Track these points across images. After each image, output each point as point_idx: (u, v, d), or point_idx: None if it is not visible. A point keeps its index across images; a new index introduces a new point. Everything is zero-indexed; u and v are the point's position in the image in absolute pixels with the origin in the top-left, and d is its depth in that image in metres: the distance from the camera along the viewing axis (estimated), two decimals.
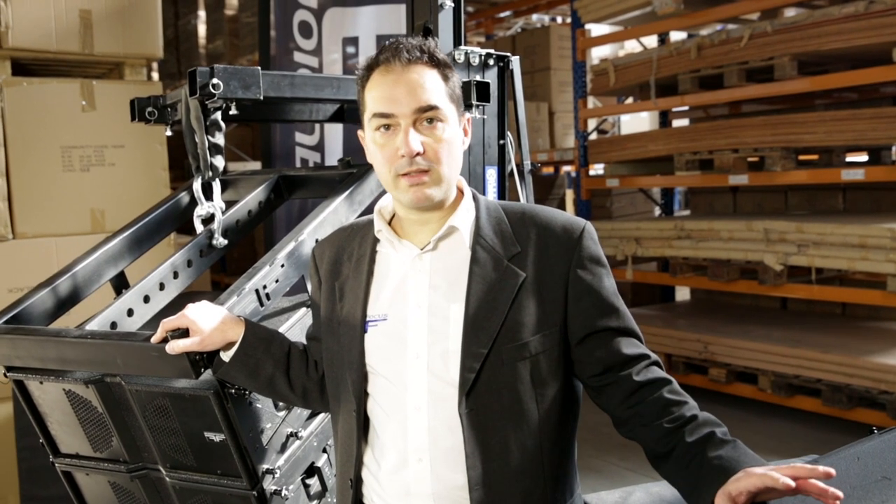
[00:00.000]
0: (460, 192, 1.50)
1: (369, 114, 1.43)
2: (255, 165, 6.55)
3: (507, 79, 2.51)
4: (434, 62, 1.42)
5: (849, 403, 4.71)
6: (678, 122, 7.30)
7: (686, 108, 6.50)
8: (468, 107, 2.18)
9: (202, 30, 7.86)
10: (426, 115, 1.40)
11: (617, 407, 1.41)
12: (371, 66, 1.44)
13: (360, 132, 1.53)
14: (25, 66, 3.77)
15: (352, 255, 1.55)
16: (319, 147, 4.04)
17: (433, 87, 1.41)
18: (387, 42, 1.45)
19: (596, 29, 7.05)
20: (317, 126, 4.04)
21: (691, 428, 1.32)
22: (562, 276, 1.42)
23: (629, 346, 1.42)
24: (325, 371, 1.56)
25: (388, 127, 1.41)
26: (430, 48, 1.43)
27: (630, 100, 7.10)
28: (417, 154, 1.38)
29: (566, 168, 8.82)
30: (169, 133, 2.32)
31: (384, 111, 1.40)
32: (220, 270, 7.36)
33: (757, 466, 1.19)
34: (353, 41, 3.97)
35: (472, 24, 9.46)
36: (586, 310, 1.42)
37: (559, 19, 9.61)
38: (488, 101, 2.25)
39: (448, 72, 1.45)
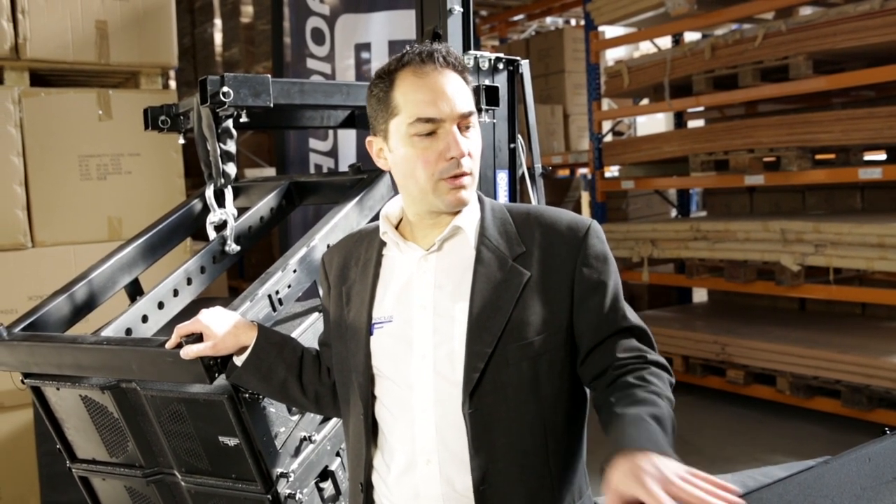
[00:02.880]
0: None
1: (409, 117, 1.40)
2: (272, 171, 6.59)
3: (517, 83, 2.52)
4: (461, 68, 1.44)
5: (869, 404, 4.66)
6: (693, 123, 7.26)
7: (701, 108, 6.47)
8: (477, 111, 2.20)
9: (218, 38, 7.92)
10: (465, 120, 1.41)
11: (598, 397, 1.41)
12: (395, 69, 1.43)
13: (371, 138, 1.51)
14: (43, 77, 3.82)
15: (359, 259, 1.56)
16: (333, 153, 4.07)
17: (467, 92, 1.43)
18: (409, 47, 1.45)
19: (609, 31, 7.03)
20: (330, 132, 4.06)
21: (621, 386, 1.33)
22: (567, 274, 1.42)
23: (627, 350, 1.41)
24: (335, 375, 1.57)
25: (430, 133, 1.40)
26: (457, 54, 1.45)
27: (645, 101, 7.08)
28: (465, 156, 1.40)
29: (582, 170, 8.81)
30: (182, 141, 2.34)
31: (431, 115, 1.38)
32: (238, 276, 7.40)
33: (650, 451, 1.15)
34: (366, 47, 3.99)
35: (486, 28, 9.47)
36: (592, 309, 1.41)
37: (573, 22, 9.60)
38: (498, 104, 2.26)
39: (469, 77, 1.47)
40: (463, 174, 1.40)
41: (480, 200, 1.51)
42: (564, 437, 1.44)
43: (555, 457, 1.41)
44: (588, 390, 1.50)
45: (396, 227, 1.53)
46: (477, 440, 1.37)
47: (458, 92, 1.41)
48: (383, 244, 1.54)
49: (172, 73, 7.40)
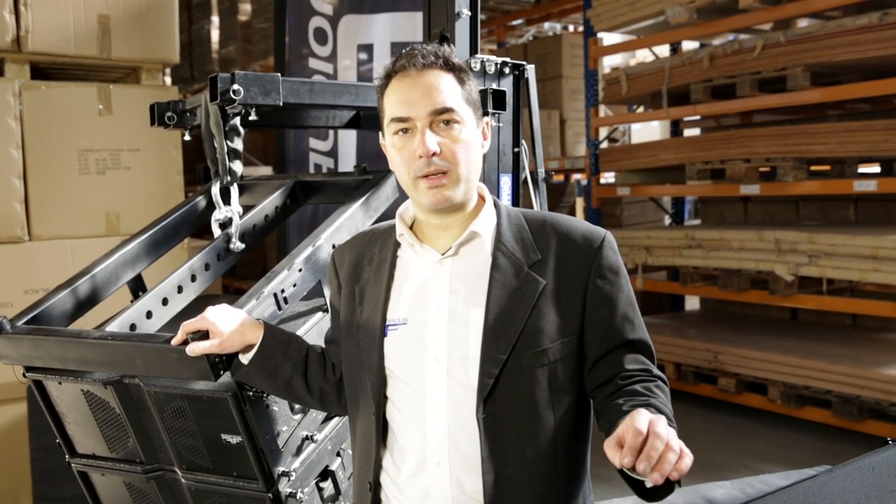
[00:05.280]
0: (482, 198, 1.52)
1: (388, 118, 1.46)
2: (267, 170, 6.58)
3: (522, 87, 2.53)
4: (449, 66, 1.45)
5: (859, 415, 4.69)
6: (689, 132, 7.30)
7: (698, 117, 6.50)
8: (486, 113, 2.20)
9: (215, 35, 7.91)
10: (442, 116, 1.42)
11: (600, 403, 1.42)
12: (389, 74, 1.47)
13: (382, 140, 1.55)
14: (44, 70, 3.81)
15: (372, 259, 1.56)
16: (333, 153, 4.06)
17: (448, 89, 1.43)
18: (403, 50, 1.48)
19: (608, 38, 7.06)
20: (331, 131, 4.06)
21: (628, 392, 1.36)
22: (581, 284, 1.43)
23: (634, 363, 1.43)
24: (344, 374, 1.58)
25: (405, 130, 1.43)
26: (445, 53, 1.46)
27: (641, 109, 7.11)
28: (434, 154, 1.40)
29: (576, 176, 8.83)
30: (187, 137, 2.34)
31: (401, 115, 1.43)
32: (231, 274, 7.39)
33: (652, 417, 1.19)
34: (368, 48, 3.98)
35: (484, 32, 9.49)
36: (602, 320, 1.43)
37: (571, 28, 9.63)
38: (504, 109, 2.27)
39: (464, 76, 1.47)
40: (437, 172, 1.41)
41: (497, 206, 1.52)
42: (573, 443, 1.45)
43: (564, 463, 1.43)
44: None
45: (411, 228, 1.54)
46: (489, 445, 1.38)
47: (433, 90, 1.42)
48: (398, 245, 1.54)
49: (168, 70, 7.38)
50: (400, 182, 1.49)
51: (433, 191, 1.42)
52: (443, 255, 1.48)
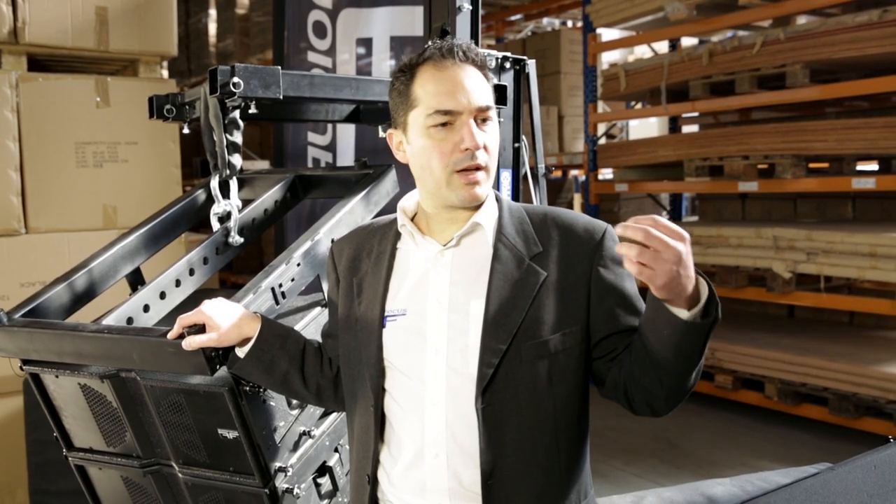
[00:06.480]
0: None
1: (428, 109, 1.42)
2: (264, 164, 6.56)
3: (522, 82, 2.52)
4: (480, 64, 1.46)
5: (856, 412, 4.69)
6: (688, 128, 7.29)
7: (696, 114, 6.49)
8: None
9: (212, 28, 7.88)
10: (483, 114, 1.43)
11: (623, 362, 1.42)
12: (416, 63, 1.45)
13: (391, 131, 1.53)
14: (41, 62, 3.79)
15: (371, 252, 1.56)
16: (331, 147, 4.05)
17: (486, 87, 1.45)
18: (432, 42, 1.47)
19: (607, 34, 7.05)
20: (329, 126, 4.05)
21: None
22: (584, 275, 1.43)
23: None
24: (342, 367, 1.57)
25: (445, 123, 1.41)
26: (478, 50, 1.47)
27: (639, 105, 7.10)
28: (479, 148, 1.40)
29: (574, 172, 8.82)
30: (186, 131, 2.32)
31: (448, 108, 1.40)
32: (227, 269, 7.36)
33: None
34: (367, 42, 3.97)
35: (483, 28, 9.46)
36: (609, 309, 1.43)
37: (570, 23, 9.62)
38: (505, 104, 2.26)
39: (490, 75, 1.48)
40: (477, 167, 1.41)
41: (498, 200, 1.52)
42: (573, 434, 1.45)
43: (564, 454, 1.43)
44: (596, 389, 1.50)
45: (412, 221, 1.53)
46: (487, 435, 1.38)
47: (476, 86, 1.42)
48: (397, 237, 1.54)
49: (165, 63, 7.35)
50: (427, 176, 1.45)
51: (468, 187, 1.42)
52: (444, 246, 1.47)
